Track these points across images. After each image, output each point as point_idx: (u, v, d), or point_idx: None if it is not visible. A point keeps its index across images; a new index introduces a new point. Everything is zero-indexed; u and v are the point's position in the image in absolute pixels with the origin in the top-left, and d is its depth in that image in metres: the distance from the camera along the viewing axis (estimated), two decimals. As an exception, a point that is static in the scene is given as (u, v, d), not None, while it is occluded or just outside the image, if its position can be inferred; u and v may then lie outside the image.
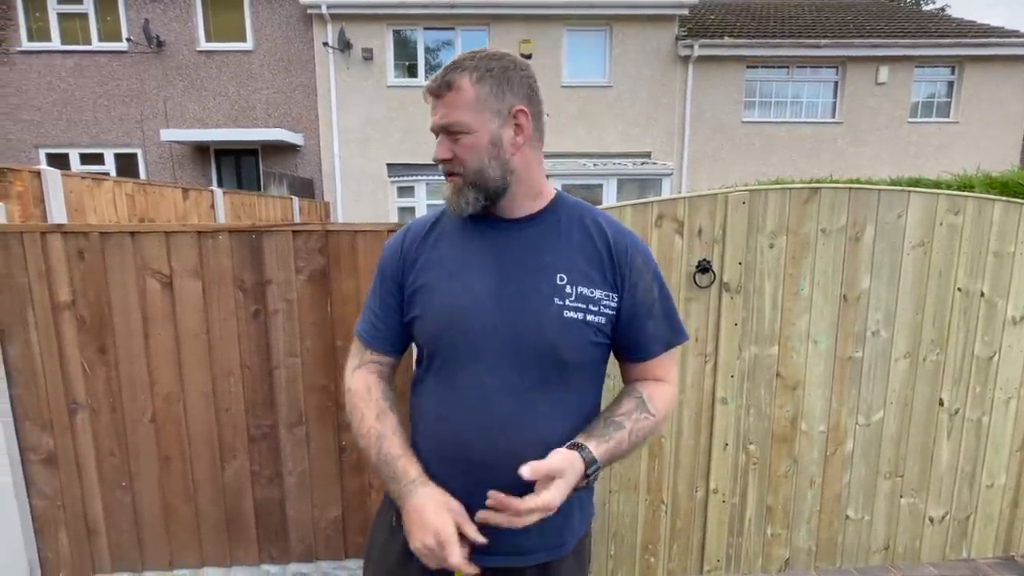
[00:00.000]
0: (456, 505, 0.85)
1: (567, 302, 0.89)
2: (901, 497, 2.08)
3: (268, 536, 1.99)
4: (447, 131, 0.89)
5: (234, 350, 1.87)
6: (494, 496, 0.79)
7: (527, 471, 0.77)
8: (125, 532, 1.93)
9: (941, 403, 2.04)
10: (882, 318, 1.96)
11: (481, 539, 0.83)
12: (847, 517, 2.07)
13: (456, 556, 0.80)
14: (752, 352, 1.93)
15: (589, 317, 0.90)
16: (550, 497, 0.78)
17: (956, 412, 2.05)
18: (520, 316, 0.88)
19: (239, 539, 1.98)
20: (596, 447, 0.85)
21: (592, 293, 0.90)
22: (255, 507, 1.96)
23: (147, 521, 1.93)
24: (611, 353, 1.00)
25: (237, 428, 1.91)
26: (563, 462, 0.80)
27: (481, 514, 0.81)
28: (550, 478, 0.79)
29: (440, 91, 0.87)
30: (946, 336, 1.99)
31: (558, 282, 0.89)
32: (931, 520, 2.12)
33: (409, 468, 0.88)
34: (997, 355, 2.03)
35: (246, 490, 1.95)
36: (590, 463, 0.83)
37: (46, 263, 1.77)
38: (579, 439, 0.86)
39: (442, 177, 0.97)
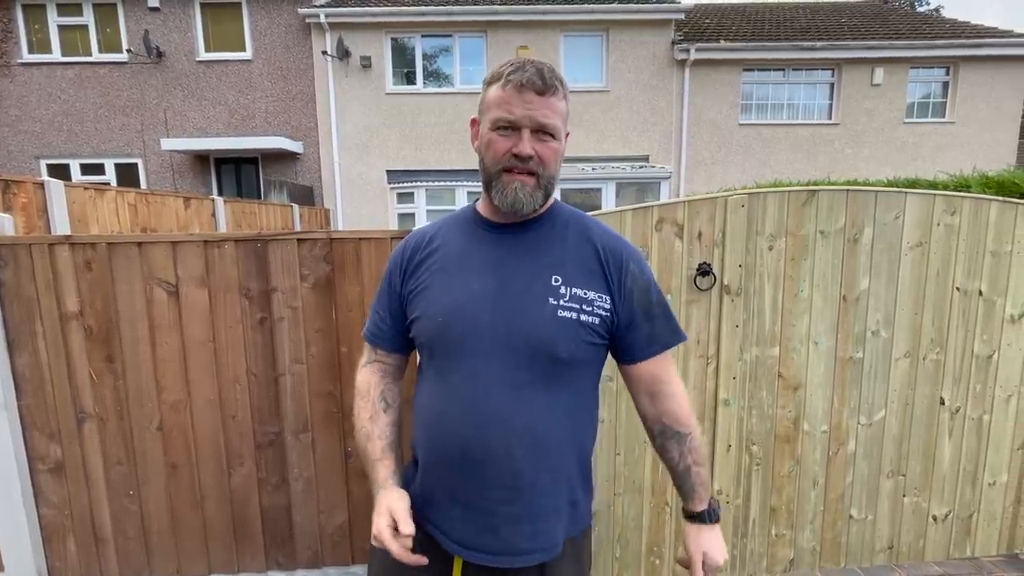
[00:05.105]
0: (405, 503, 0.93)
1: (561, 302, 0.92)
2: (904, 496, 2.09)
3: (275, 542, 2.00)
4: (542, 130, 0.90)
5: (240, 358, 1.89)
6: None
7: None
8: (133, 540, 1.94)
9: (942, 402, 2.05)
10: (882, 318, 1.97)
11: (409, 529, 0.88)
12: (851, 517, 2.08)
13: (406, 526, 0.88)
14: (753, 354, 1.94)
15: (583, 317, 0.93)
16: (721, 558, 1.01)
17: (957, 411, 2.07)
18: (514, 314, 0.91)
19: (246, 546, 1.99)
20: (704, 497, 1.03)
21: (586, 294, 0.94)
22: (262, 514, 1.97)
23: (154, 529, 1.94)
24: (607, 356, 1.03)
25: (244, 435, 1.93)
26: (714, 539, 1.02)
27: None
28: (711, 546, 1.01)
29: (545, 90, 0.89)
30: (946, 335, 2.01)
31: (553, 283, 0.93)
32: (934, 519, 2.13)
33: (380, 472, 0.97)
34: (996, 353, 2.04)
35: (253, 497, 1.96)
36: (713, 512, 1.03)
37: (54, 274, 1.79)
38: (691, 507, 1.03)
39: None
